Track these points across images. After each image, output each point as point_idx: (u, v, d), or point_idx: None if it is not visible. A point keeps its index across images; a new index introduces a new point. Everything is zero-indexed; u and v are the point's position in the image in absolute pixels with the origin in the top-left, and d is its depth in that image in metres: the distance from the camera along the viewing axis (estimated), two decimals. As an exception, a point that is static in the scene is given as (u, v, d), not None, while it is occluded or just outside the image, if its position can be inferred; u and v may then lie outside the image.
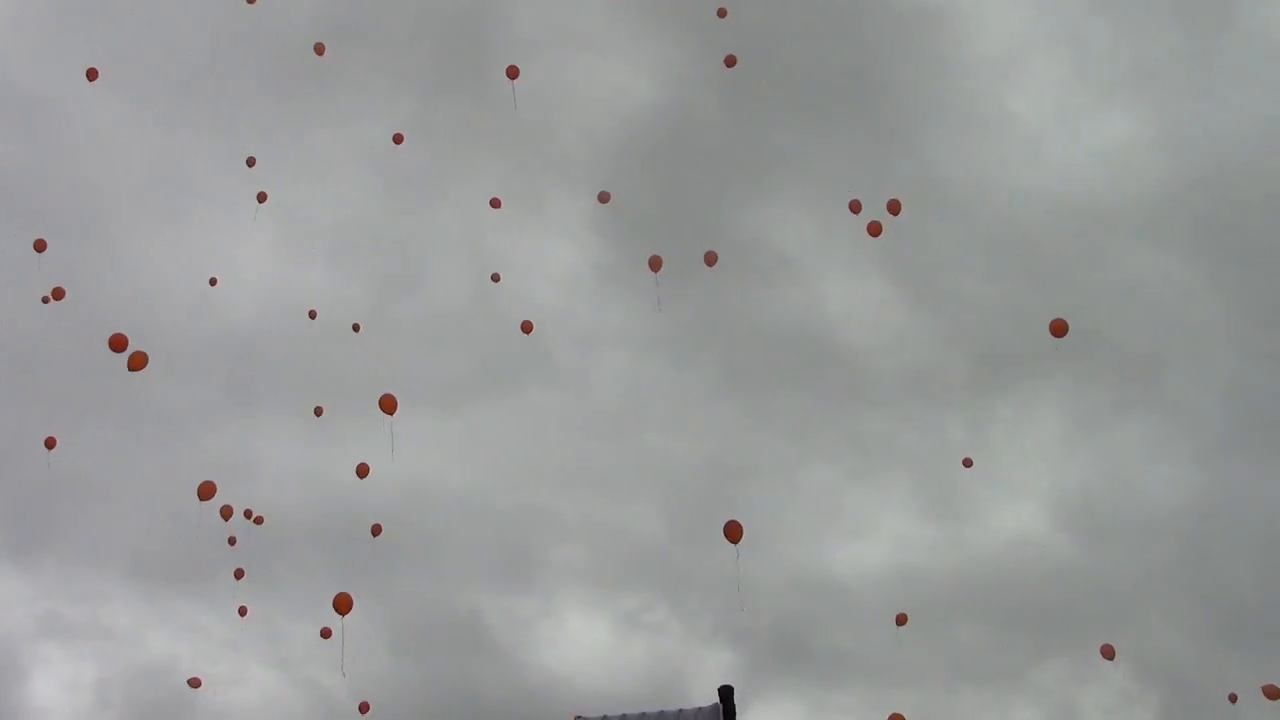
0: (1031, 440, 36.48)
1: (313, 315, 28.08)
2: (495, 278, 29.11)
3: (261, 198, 26.67)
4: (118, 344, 22.73)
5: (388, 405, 24.98)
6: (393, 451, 25.05)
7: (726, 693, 20.21)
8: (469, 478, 35.88)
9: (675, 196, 33.96)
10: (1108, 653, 24.18)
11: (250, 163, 26.60)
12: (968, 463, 27.09)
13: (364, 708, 25.24)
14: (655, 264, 26.27)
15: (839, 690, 35.26)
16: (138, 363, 22.85)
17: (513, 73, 26.01)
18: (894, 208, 26.04)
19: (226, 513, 24.80)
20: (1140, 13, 32.69)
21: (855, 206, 26.01)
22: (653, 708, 21.27)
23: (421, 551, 34.84)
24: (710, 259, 26.70)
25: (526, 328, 27.49)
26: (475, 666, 36.06)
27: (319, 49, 26.30)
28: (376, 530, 25.90)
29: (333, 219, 34.35)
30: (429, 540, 34.71)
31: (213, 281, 28.27)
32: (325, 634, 24.55)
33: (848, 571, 36.04)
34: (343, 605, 22.23)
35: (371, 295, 34.90)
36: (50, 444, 26.09)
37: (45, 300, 26.02)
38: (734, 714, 20.28)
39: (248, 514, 25.83)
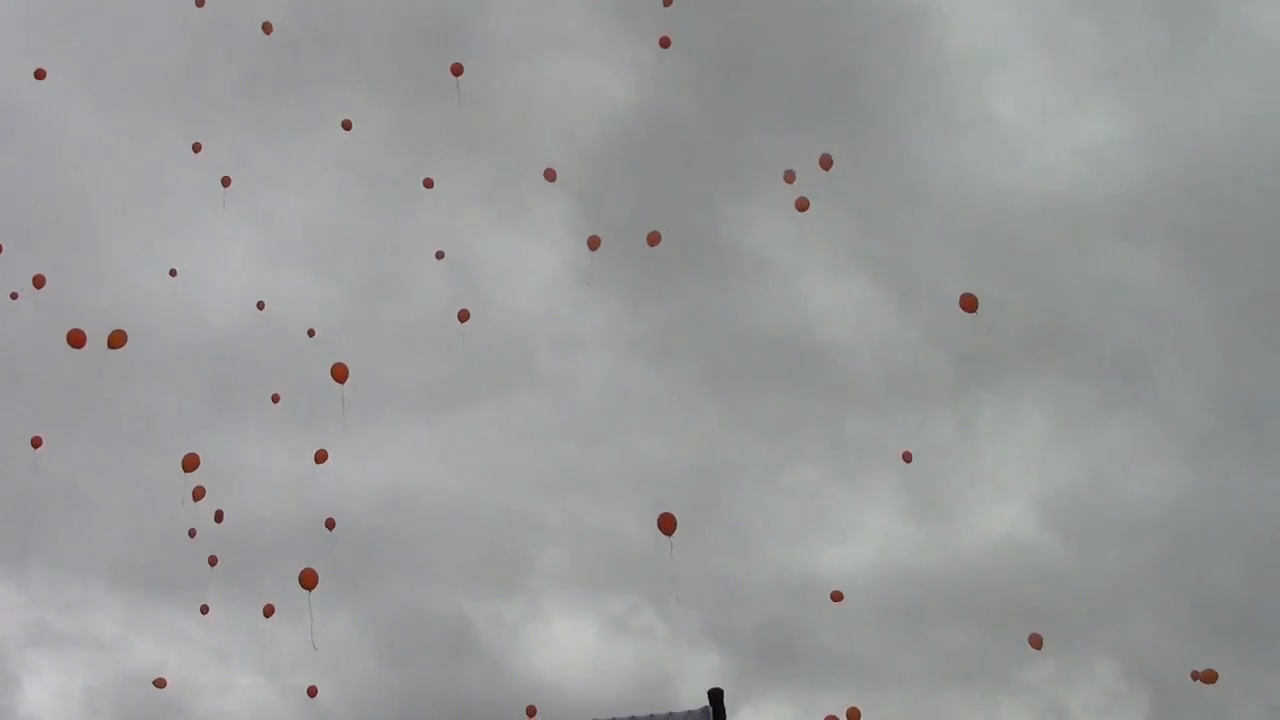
0: (1017, 439, 36.56)
1: (260, 306, 28.15)
2: (439, 255, 29.01)
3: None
4: (75, 340, 23.02)
5: (339, 374, 25.04)
6: (346, 426, 25.02)
7: (716, 696, 20.19)
8: (452, 482, 35.80)
9: (654, 197, 33.83)
10: (1035, 642, 24.08)
11: (225, 182, 26.57)
12: (907, 457, 26.32)
13: (312, 691, 25.50)
14: (593, 243, 26.73)
15: (827, 692, 35.13)
16: (117, 341, 23.07)
17: (457, 70, 26.00)
18: (825, 162, 25.30)
19: (198, 494, 24.52)
20: (1121, 10, 32.71)
21: (789, 177, 25.69)
22: (643, 711, 21.22)
23: (407, 556, 34.79)
24: (653, 239, 26.60)
25: (463, 316, 27.47)
26: (462, 671, 35.98)
27: (266, 28, 26.06)
28: (330, 524, 25.89)
29: (310, 223, 34.23)
30: (414, 545, 34.65)
31: (172, 273, 28.22)
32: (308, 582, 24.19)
33: (834, 572, 35.90)
34: (308, 580, 22.24)
35: (351, 299, 34.81)
36: (36, 443, 26.02)
37: (14, 296, 25.72)
38: (724, 717, 20.25)
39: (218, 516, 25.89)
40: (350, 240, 34.47)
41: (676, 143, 34.58)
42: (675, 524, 21.71)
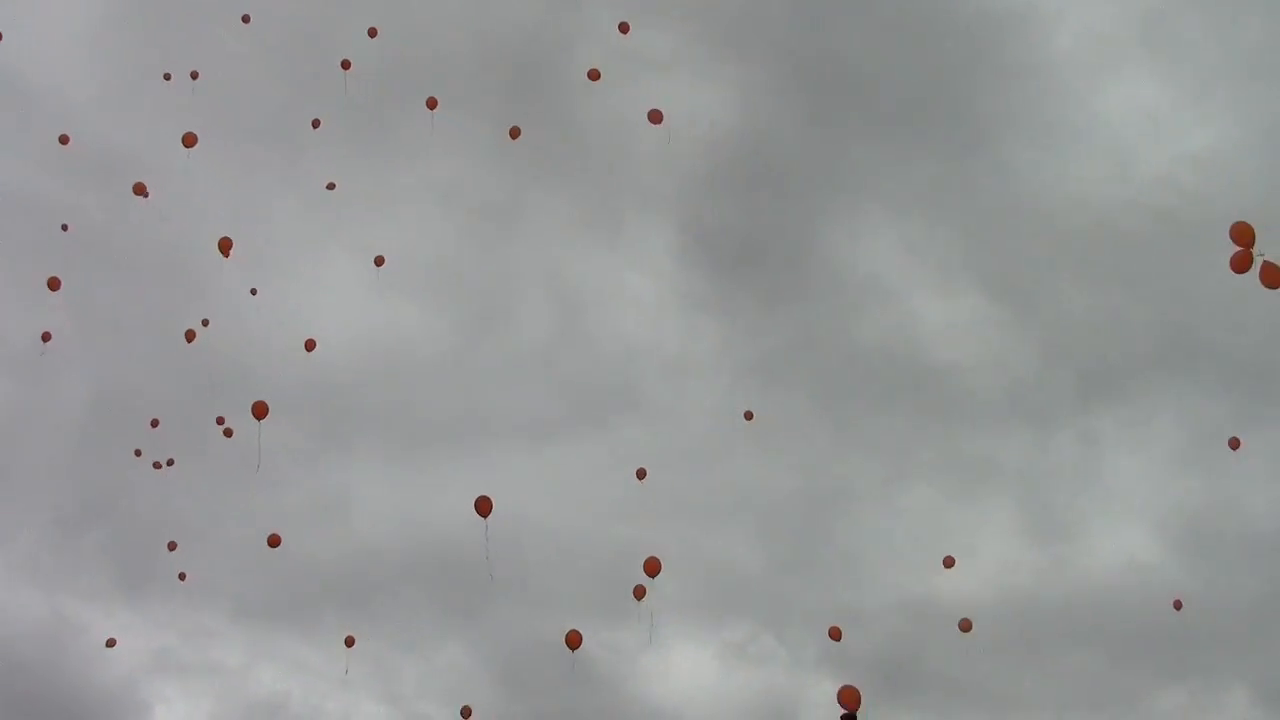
0: (1143, 457, 35.26)
1: (310, 346, 28.61)
2: (378, 261, 29.07)
3: (379, 262, 28.25)
4: (259, 411, 25.24)
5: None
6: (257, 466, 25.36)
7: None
8: (563, 512, 35.72)
9: (757, 219, 33.53)
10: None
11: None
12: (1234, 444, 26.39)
13: (466, 711, 27.15)
14: (514, 133, 27.18)
15: (952, 718, 34.39)
16: (260, 411, 25.14)
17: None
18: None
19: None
20: (1231, 10, 31.42)
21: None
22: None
23: (522, 585, 34.81)
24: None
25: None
26: (580, 699, 35.89)
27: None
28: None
29: (414, 256, 34.52)
30: (529, 574, 34.67)
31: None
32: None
33: (952, 596, 35.10)
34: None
35: (457, 332, 35.08)
36: (158, 466, 28.86)
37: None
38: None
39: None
40: (453, 272, 34.79)
41: (779, 162, 34.26)
42: (491, 507, 23.72)
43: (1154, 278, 33.17)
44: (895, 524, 34.91)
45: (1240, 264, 18.48)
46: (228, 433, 27.49)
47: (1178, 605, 26.07)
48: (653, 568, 24.25)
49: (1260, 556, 31.95)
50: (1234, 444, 26.02)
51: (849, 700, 20.20)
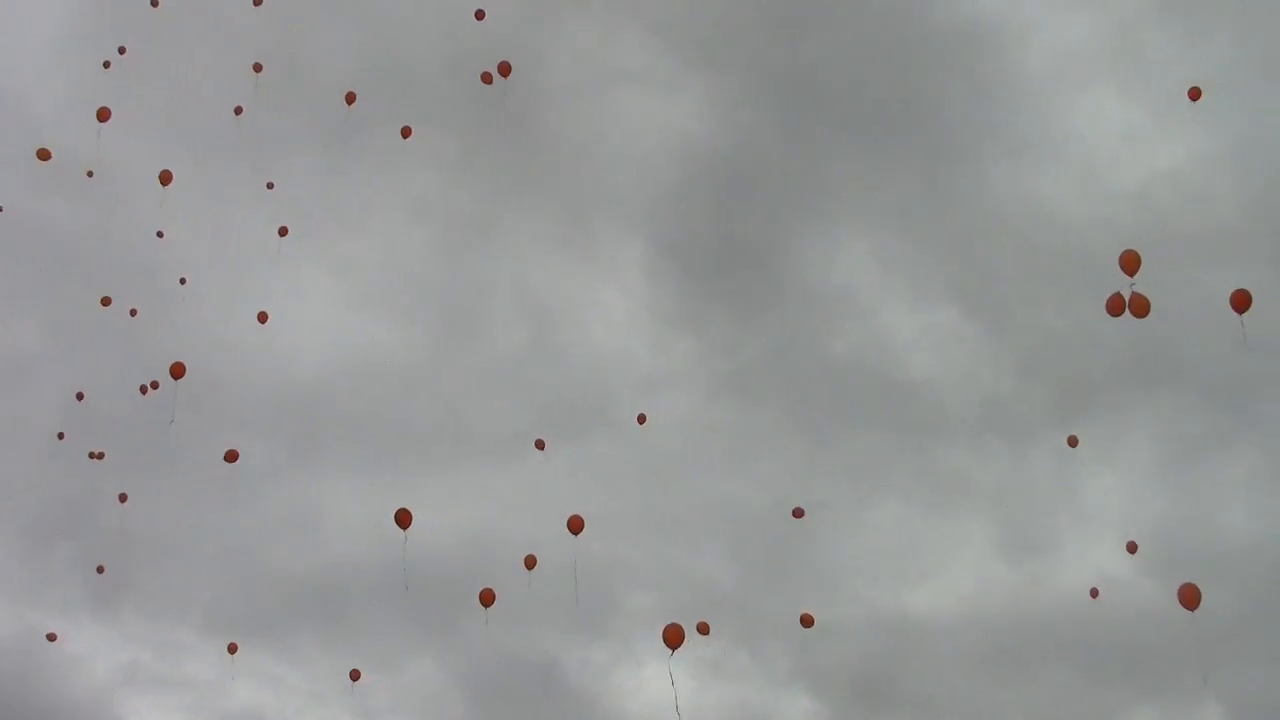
0: (1118, 474, 35.13)
1: (262, 319, 28.77)
2: (282, 231, 28.99)
3: (283, 232, 27.96)
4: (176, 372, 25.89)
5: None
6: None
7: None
8: (535, 526, 35.56)
9: (730, 232, 33.42)
10: (807, 621, 26.10)
11: (283, 232, 27.81)
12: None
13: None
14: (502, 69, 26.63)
15: (924, 734, 34.27)
16: (178, 372, 25.97)
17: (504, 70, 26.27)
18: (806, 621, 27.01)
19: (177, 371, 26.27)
20: (1203, 27, 31.32)
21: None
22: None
23: (495, 601, 34.63)
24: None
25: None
26: (553, 715, 35.77)
27: (349, 98, 26.63)
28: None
29: (383, 268, 34.47)
30: (501, 589, 34.49)
31: (262, 317, 28.94)
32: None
33: (925, 612, 35.00)
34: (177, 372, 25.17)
35: (429, 345, 34.96)
36: (123, 499, 29.11)
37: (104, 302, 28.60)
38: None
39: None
40: (422, 285, 34.67)
41: (752, 175, 34.18)
42: (410, 519, 24.18)
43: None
44: (869, 539, 34.85)
45: (1114, 308, 19.29)
46: (144, 389, 27.67)
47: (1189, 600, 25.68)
48: (405, 519, 24.39)
49: (1234, 573, 31.83)
50: (1194, 94, 25.76)
51: (672, 638, 21.53)
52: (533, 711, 35.48)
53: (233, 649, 28.87)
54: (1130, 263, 19.99)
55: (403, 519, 24.23)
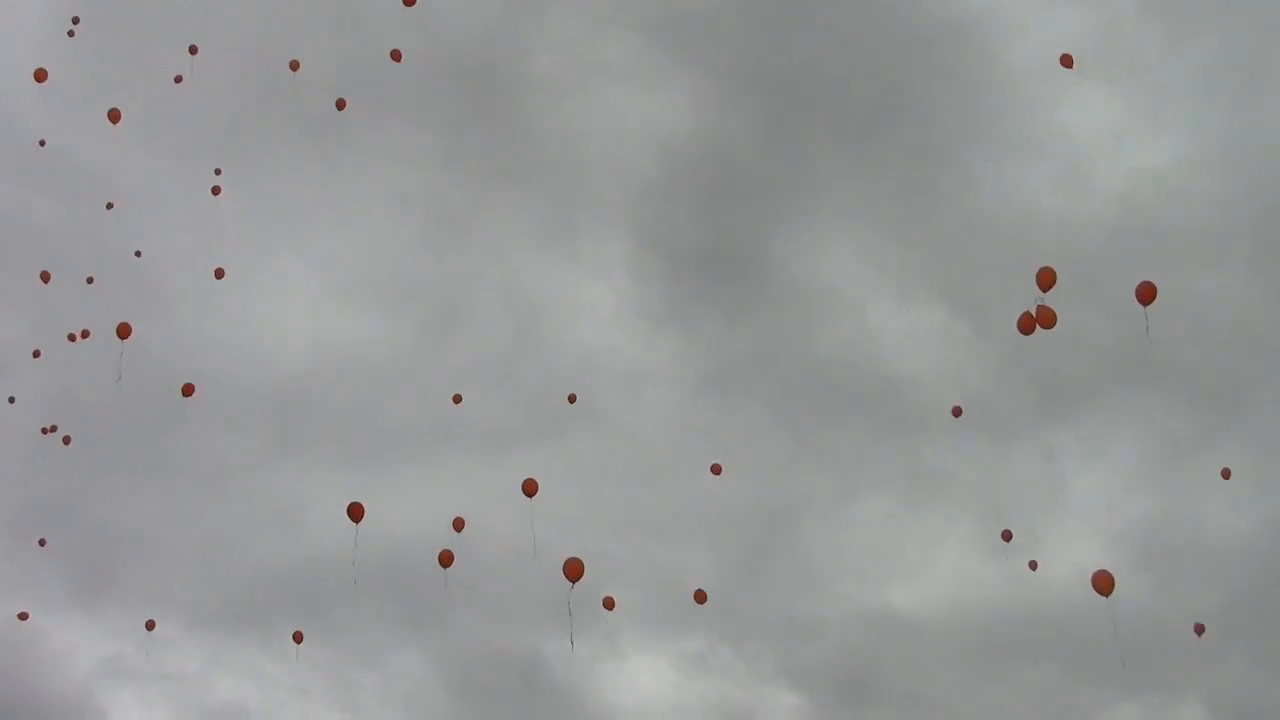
0: (1101, 472, 35.21)
1: (219, 275, 28.84)
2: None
3: (216, 191, 28.21)
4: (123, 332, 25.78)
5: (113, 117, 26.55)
6: None
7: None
8: (520, 521, 35.56)
9: (714, 228, 33.37)
10: (700, 598, 26.60)
11: (216, 191, 28.16)
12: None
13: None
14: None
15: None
16: (124, 332, 25.81)
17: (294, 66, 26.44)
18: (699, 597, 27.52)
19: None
20: (1190, 27, 31.35)
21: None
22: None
23: (479, 595, 34.65)
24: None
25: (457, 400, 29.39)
26: (538, 710, 35.76)
27: (340, 104, 26.57)
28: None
29: (367, 264, 34.38)
30: (485, 583, 34.51)
31: (218, 273, 29.01)
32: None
33: (909, 608, 35.05)
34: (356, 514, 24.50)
35: (412, 340, 34.87)
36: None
37: (72, 339, 28.19)
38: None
39: None
40: (407, 281, 34.60)
41: (737, 172, 34.15)
42: (363, 513, 24.12)
43: (1112, 291, 33.05)
44: (852, 536, 34.95)
45: (1025, 327, 19.69)
46: (72, 337, 27.75)
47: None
48: (357, 513, 24.43)
49: (1216, 571, 31.99)
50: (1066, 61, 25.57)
51: (572, 573, 22.83)
52: (517, 705, 35.52)
53: (298, 638, 28.76)
54: (1045, 279, 20.40)
55: (354, 512, 24.22)
